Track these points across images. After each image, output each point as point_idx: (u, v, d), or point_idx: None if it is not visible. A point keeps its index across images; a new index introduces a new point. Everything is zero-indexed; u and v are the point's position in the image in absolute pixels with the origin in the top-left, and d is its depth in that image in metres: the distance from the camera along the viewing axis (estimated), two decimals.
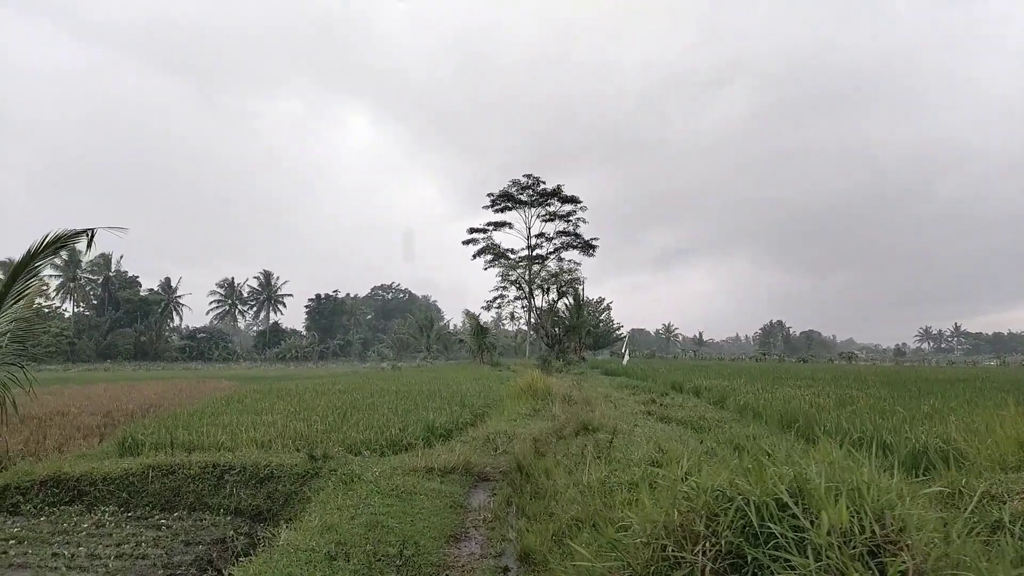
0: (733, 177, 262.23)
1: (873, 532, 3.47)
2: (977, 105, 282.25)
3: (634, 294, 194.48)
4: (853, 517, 3.46)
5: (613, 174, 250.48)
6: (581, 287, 60.02)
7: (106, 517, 6.91)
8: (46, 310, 74.11)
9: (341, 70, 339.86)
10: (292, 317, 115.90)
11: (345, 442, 9.15)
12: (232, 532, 6.51)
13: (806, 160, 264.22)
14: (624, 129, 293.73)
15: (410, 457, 8.17)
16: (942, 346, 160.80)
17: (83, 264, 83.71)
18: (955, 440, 8.74)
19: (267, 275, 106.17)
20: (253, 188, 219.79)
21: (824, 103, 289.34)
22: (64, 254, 78.74)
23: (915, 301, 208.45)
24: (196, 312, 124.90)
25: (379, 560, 4.45)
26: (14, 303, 8.78)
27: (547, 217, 63.20)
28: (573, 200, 61.85)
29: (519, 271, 62.51)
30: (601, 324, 75.71)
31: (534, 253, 63.61)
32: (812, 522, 3.49)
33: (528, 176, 61.56)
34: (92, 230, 7.78)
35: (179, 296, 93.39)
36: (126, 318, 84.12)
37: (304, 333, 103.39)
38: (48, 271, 76.05)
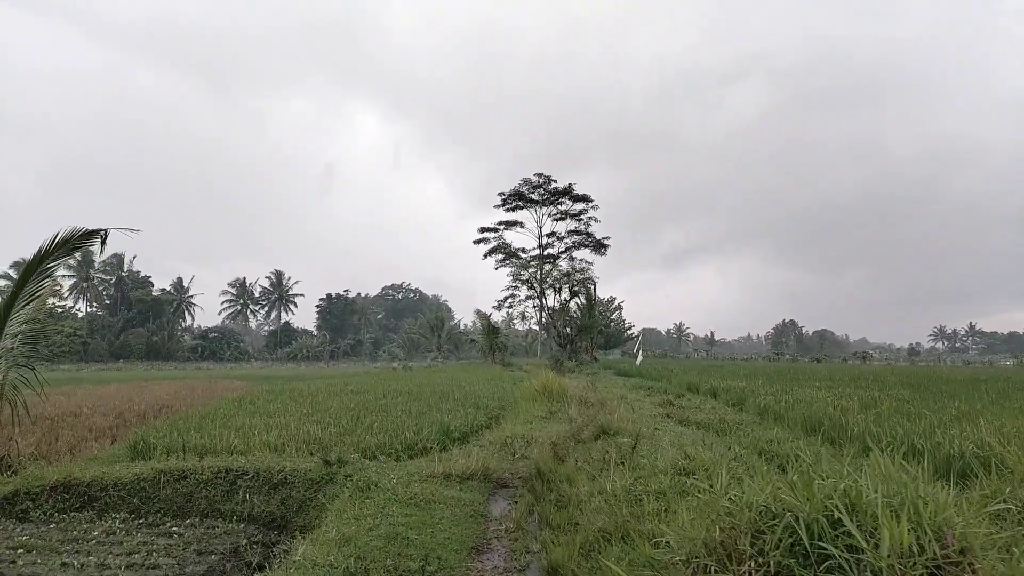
0: (744, 174, 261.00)
1: (934, 552, 3.22)
2: (991, 101, 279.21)
3: (644, 293, 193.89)
4: (912, 535, 3.21)
5: (623, 172, 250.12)
6: (593, 286, 59.69)
7: (117, 524, 6.73)
8: (59, 310, 74.70)
9: (352, 69, 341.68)
10: (303, 317, 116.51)
11: (359, 446, 8.96)
12: (245, 541, 6.31)
13: (818, 157, 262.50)
14: (635, 126, 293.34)
15: (427, 462, 7.95)
16: (956, 345, 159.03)
17: (96, 264, 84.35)
18: (990, 445, 8.44)
19: (278, 275, 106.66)
20: (265, 187, 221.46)
21: (836, 99, 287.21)
22: (78, 254, 79.44)
23: (928, 299, 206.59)
24: (208, 312, 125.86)
25: None
26: (25, 304, 8.65)
27: (558, 216, 62.91)
28: (585, 199, 61.51)
29: (531, 271, 62.28)
30: (612, 324, 75.34)
31: (545, 252, 63.37)
32: (869, 541, 3.24)
33: (539, 175, 61.33)
34: (105, 230, 7.63)
35: (191, 296, 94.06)
36: (139, 318, 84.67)
37: (315, 333, 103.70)
38: (61, 271, 76.74)
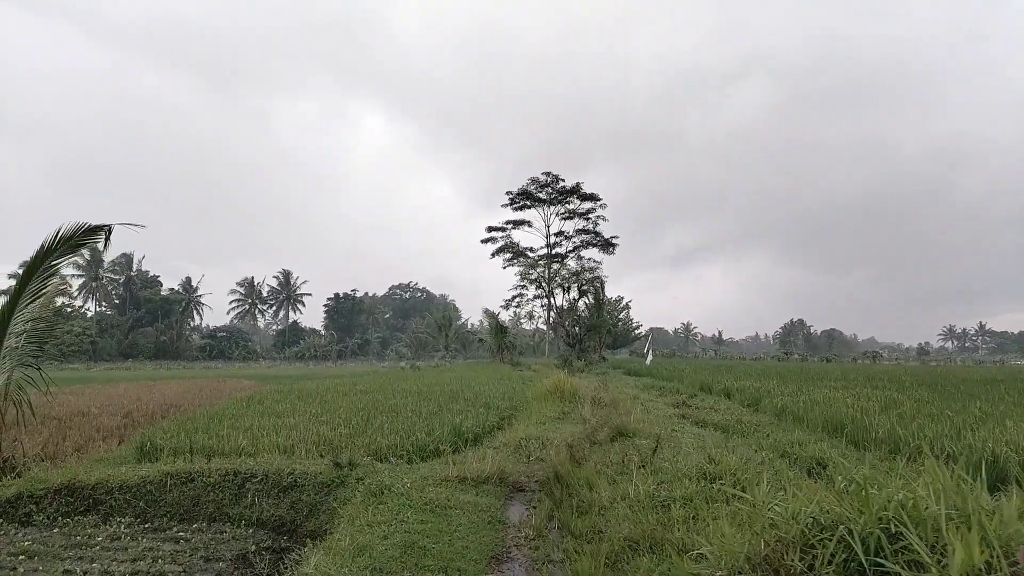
0: (749, 174, 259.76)
1: (1003, 570, 2.95)
2: (997, 99, 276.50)
3: (651, 292, 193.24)
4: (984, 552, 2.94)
5: (627, 172, 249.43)
6: (601, 285, 59.27)
7: (122, 529, 6.52)
8: (69, 309, 74.97)
9: (357, 69, 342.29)
10: (311, 316, 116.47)
11: (370, 447, 8.73)
12: (254, 547, 6.08)
13: (824, 155, 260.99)
14: (638, 126, 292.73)
15: (440, 465, 7.71)
16: (966, 345, 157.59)
17: (105, 264, 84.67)
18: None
19: (286, 274, 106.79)
20: (272, 188, 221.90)
21: (842, 97, 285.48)
22: (86, 253, 79.73)
23: (935, 299, 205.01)
24: (216, 311, 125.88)
25: None
26: (30, 302, 8.47)
27: (566, 215, 62.51)
28: (593, 197, 61.10)
29: (539, 270, 61.95)
30: (620, 323, 74.95)
31: (553, 251, 63.02)
32: (932, 558, 2.97)
33: (547, 174, 60.92)
34: (109, 226, 7.43)
35: (199, 295, 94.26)
36: (147, 317, 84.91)
37: (323, 332, 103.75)
38: (70, 270, 77.05)
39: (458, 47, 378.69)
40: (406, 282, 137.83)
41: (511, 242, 63.19)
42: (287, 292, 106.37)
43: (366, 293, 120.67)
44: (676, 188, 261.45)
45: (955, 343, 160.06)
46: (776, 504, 3.58)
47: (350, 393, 16.52)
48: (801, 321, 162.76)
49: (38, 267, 7.71)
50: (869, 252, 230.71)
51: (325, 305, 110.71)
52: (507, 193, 62.26)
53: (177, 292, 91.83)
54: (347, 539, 4.76)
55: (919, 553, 2.92)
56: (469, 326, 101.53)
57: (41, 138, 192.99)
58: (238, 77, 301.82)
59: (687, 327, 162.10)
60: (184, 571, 5.47)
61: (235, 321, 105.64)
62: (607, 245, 62.25)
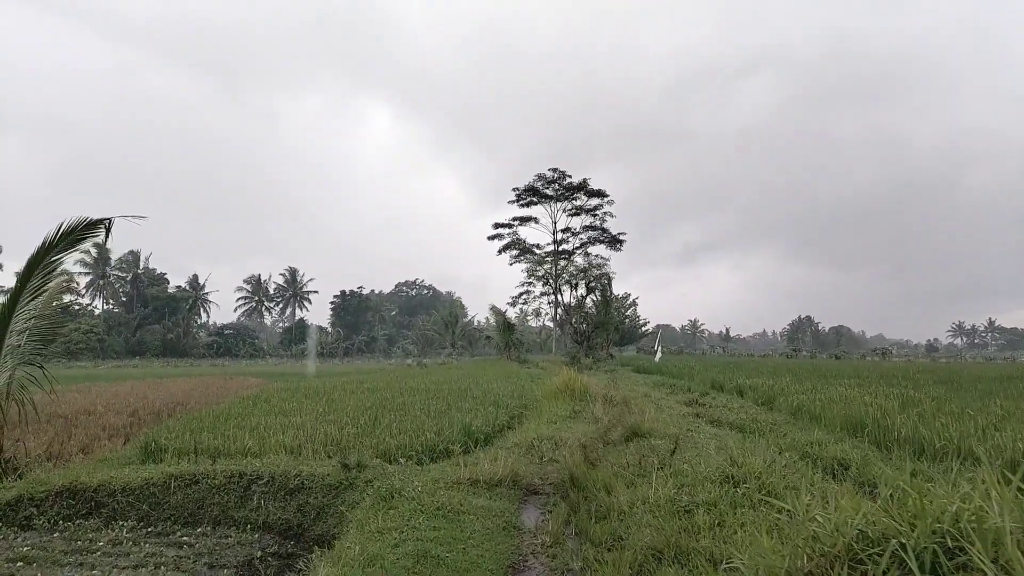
0: (758, 169, 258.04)
1: None
2: (1009, 94, 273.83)
3: (658, 289, 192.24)
4: None
5: (635, 168, 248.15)
6: (609, 282, 58.94)
7: (124, 533, 6.32)
8: (76, 307, 75.23)
9: (364, 66, 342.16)
10: (318, 313, 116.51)
11: (379, 448, 8.51)
12: (260, 552, 5.87)
13: (833, 151, 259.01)
14: (646, 122, 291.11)
15: (451, 466, 7.48)
16: (975, 341, 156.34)
17: (112, 261, 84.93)
18: None
19: (293, 272, 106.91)
20: (278, 185, 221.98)
21: (852, 93, 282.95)
22: (93, 251, 79.99)
23: (945, 295, 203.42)
24: (224, 308, 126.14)
25: None
26: (31, 299, 8.28)
27: (573, 211, 62.23)
28: (600, 194, 60.78)
29: (546, 267, 61.68)
30: (627, 320, 74.57)
31: (560, 248, 62.75)
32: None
33: (554, 170, 60.65)
34: (110, 219, 7.23)
35: (206, 293, 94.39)
36: (155, 315, 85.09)
37: (330, 329, 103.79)
38: (77, 268, 77.32)
39: (465, 43, 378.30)
40: (412, 279, 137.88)
41: (518, 239, 63.04)
42: (294, 289, 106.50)
43: (372, 290, 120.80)
44: (683, 185, 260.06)
45: (964, 340, 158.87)
46: (818, 515, 3.33)
47: (357, 391, 16.33)
48: (809, 318, 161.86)
49: (39, 263, 7.52)
50: (877, 248, 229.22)
51: (332, 302, 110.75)
52: (514, 189, 62.09)
53: (184, 290, 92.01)
54: (357, 547, 4.53)
55: (984, 571, 2.67)
56: (475, 323, 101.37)
57: (48, 137, 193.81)
58: (245, 75, 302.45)
59: (694, 324, 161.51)
60: None
61: (242, 319, 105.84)
62: (614, 241, 61.96)
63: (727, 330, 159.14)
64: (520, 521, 5.91)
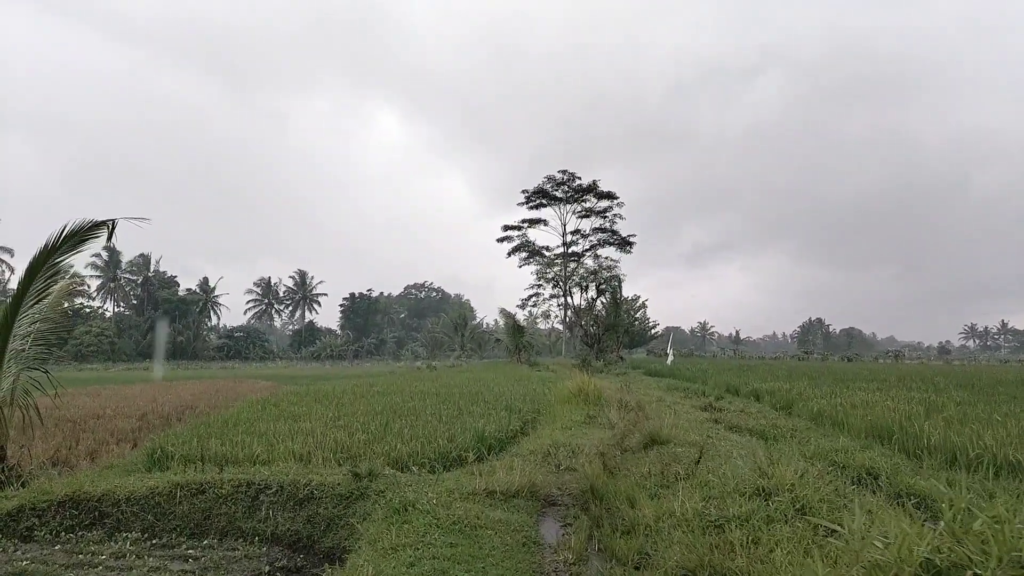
0: (767, 169, 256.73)
1: None
2: (1019, 93, 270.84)
3: (667, 291, 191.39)
4: None
5: (643, 167, 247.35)
6: (619, 284, 58.55)
7: (128, 546, 6.08)
8: (87, 310, 75.62)
9: (371, 67, 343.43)
10: (327, 316, 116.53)
11: (390, 455, 8.24)
12: (268, 567, 5.61)
13: (842, 151, 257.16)
14: (653, 122, 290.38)
15: (465, 475, 7.20)
16: (988, 344, 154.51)
17: (123, 264, 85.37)
18: None
19: (302, 274, 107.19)
20: (287, 187, 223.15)
21: (859, 92, 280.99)
22: (104, 254, 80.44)
23: (957, 297, 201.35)
24: (234, 311, 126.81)
25: None
26: (34, 302, 8.09)
27: (583, 213, 61.92)
28: (610, 196, 60.45)
29: (555, 269, 61.38)
30: (636, 323, 74.12)
31: (569, 250, 62.43)
32: None
33: (563, 172, 60.40)
34: (113, 221, 7.03)
35: (217, 296, 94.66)
36: (165, 318, 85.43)
37: (339, 332, 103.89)
38: (88, 271, 77.73)
39: (472, 43, 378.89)
40: (421, 282, 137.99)
41: (527, 241, 62.78)
42: (303, 292, 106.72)
43: (381, 293, 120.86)
44: (692, 185, 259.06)
45: (976, 342, 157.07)
46: (877, 539, 3.04)
47: (367, 395, 16.10)
48: (820, 320, 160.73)
49: (41, 265, 7.32)
50: (888, 249, 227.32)
51: (341, 305, 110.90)
52: (523, 191, 61.88)
53: (194, 292, 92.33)
54: (370, 567, 4.26)
55: None
56: (484, 326, 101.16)
57: (58, 138, 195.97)
58: (253, 77, 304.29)
59: (704, 326, 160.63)
60: None
61: (252, 321, 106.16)
62: (624, 244, 61.61)
63: (737, 332, 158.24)
64: (540, 536, 5.62)
